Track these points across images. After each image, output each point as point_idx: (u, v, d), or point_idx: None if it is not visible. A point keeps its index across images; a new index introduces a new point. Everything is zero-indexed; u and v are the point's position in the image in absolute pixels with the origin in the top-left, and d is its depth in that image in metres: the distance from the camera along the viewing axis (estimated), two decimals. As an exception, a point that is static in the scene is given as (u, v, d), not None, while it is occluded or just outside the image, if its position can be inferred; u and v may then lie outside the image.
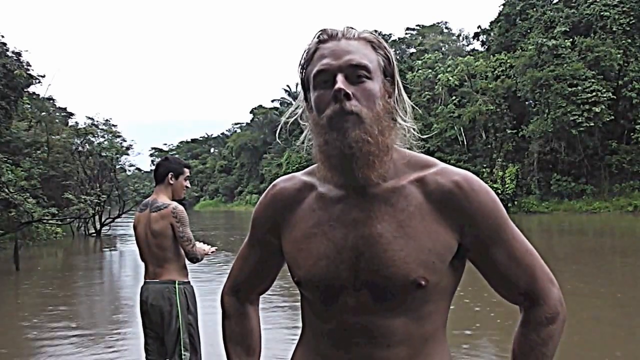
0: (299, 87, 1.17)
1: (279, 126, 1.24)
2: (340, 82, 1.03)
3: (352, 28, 1.10)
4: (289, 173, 1.28)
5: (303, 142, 1.15)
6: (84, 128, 27.46)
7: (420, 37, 60.42)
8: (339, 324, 1.08)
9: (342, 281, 1.07)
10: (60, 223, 22.10)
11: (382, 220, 1.06)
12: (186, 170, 3.70)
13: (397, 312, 1.06)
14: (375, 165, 1.04)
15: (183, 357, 3.51)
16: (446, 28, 61.89)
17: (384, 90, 1.08)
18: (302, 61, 1.11)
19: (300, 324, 1.23)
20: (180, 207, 3.56)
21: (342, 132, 1.01)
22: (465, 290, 7.50)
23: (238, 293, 1.31)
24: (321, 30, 1.10)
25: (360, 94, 1.04)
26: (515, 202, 39.08)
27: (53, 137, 25.13)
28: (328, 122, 1.03)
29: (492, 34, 48.89)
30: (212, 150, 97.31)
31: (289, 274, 1.17)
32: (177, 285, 3.52)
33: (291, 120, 1.18)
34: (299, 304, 1.24)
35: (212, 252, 3.78)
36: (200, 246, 3.65)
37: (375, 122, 1.03)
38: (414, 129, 1.13)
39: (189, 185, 3.75)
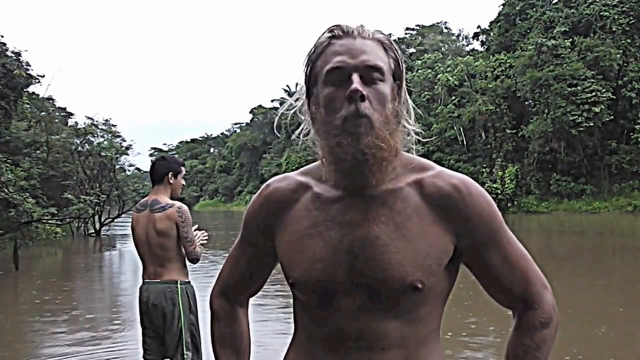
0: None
1: (276, 119, 1.22)
2: (357, 82, 1.01)
3: (364, 27, 1.08)
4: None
5: (300, 136, 1.13)
6: (83, 128, 27.41)
7: (420, 37, 60.51)
8: (334, 327, 1.07)
9: (337, 283, 1.05)
10: (59, 223, 22.08)
11: (379, 222, 1.05)
12: (183, 168, 3.73)
13: (393, 315, 1.05)
14: (387, 170, 1.04)
15: (185, 356, 3.51)
16: (446, 28, 61.97)
17: (392, 94, 1.07)
18: (312, 55, 1.09)
19: (292, 326, 1.21)
20: (185, 207, 3.56)
21: (356, 137, 1.00)
22: (462, 294, 7.50)
23: (228, 295, 1.28)
24: (335, 25, 1.08)
25: (373, 96, 1.02)
26: (515, 202, 39.12)
27: (52, 137, 25.11)
28: (342, 123, 1.01)
29: (491, 34, 48.94)
30: (211, 150, 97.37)
31: (282, 275, 1.15)
32: (179, 285, 3.52)
33: (289, 113, 1.16)
34: (291, 305, 1.22)
35: (205, 238, 3.78)
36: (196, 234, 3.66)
37: (385, 126, 1.02)
38: (417, 133, 1.12)
39: (185, 183, 3.77)
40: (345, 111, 1.01)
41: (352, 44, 1.05)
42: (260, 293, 1.33)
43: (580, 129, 35.77)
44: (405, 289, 1.03)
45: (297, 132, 1.14)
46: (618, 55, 36.69)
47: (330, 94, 1.04)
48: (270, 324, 6.80)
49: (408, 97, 1.12)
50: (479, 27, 51.37)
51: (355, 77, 1.01)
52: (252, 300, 1.34)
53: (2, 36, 25.89)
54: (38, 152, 23.29)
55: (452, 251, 1.08)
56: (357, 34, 1.06)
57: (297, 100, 1.15)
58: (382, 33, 1.10)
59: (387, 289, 1.03)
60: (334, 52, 1.05)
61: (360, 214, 1.06)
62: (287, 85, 72.01)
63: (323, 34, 1.08)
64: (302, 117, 1.13)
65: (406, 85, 1.13)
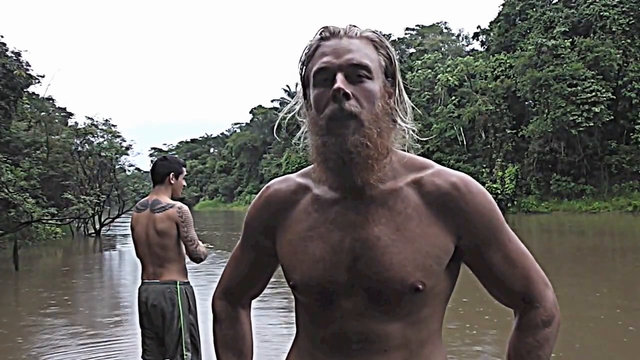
0: (299, 86, 1.16)
1: (277, 122, 1.22)
2: (340, 81, 1.01)
3: (354, 26, 1.09)
4: (288, 173, 1.26)
5: (300, 139, 1.13)
6: (83, 128, 27.44)
7: (420, 37, 60.47)
8: (335, 329, 1.07)
9: (338, 285, 1.05)
10: (59, 223, 22.08)
11: (379, 223, 1.05)
12: (184, 169, 3.72)
13: (394, 316, 1.05)
14: (374, 169, 1.03)
15: (185, 357, 3.51)
16: (446, 28, 61.92)
17: (384, 91, 1.06)
18: (303, 57, 1.10)
19: (294, 328, 1.21)
20: (186, 207, 3.56)
21: (341, 137, 1.00)
22: (463, 293, 7.50)
23: (230, 297, 1.28)
24: (323, 27, 1.09)
25: (359, 94, 1.02)
26: (515, 202, 39.09)
27: (52, 137, 25.15)
28: (327, 123, 1.02)
29: (491, 34, 48.91)
30: (211, 150, 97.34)
31: (284, 277, 1.15)
32: (178, 286, 3.51)
33: (289, 116, 1.17)
34: (292, 305, 1.22)
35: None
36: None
37: (374, 124, 1.02)
38: (413, 131, 1.11)
39: (185, 184, 3.77)
40: (329, 110, 1.02)
41: (338, 44, 1.06)
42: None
43: (580, 129, 35.74)
44: (407, 290, 1.02)
45: (298, 134, 1.14)
46: (618, 55, 36.66)
47: (318, 95, 1.05)
48: (272, 324, 6.80)
49: (406, 95, 1.11)
50: (479, 27, 51.34)
51: (339, 76, 1.02)
52: (253, 300, 1.34)
53: (2, 36, 25.93)
54: (38, 152, 23.32)
55: (452, 251, 1.07)
56: (344, 34, 1.07)
57: (296, 103, 1.16)
58: (373, 31, 1.10)
59: (388, 290, 1.03)
60: (321, 54, 1.06)
61: (360, 215, 1.06)
62: (287, 85, 71.99)
63: (314, 36, 1.10)
64: (301, 120, 1.14)
65: (405, 84, 1.12)
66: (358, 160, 1.01)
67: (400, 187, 1.08)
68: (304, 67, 1.10)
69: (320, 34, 1.09)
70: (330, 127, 1.02)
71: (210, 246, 3.81)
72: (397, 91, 1.09)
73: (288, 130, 1.29)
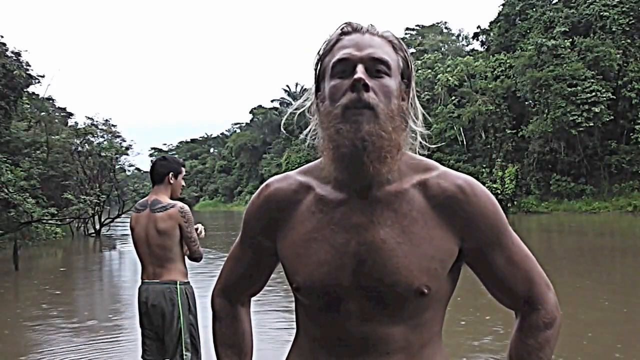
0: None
1: (285, 116, 1.21)
2: (361, 72, 1.01)
3: (375, 26, 1.10)
4: None
5: (307, 135, 1.12)
6: (83, 128, 27.49)
7: (420, 37, 60.45)
8: (338, 331, 1.06)
9: (343, 288, 1.04)
10: (59, 223, 22.11)
11: (385, 226, 1.04)
12: (184, 169, 3.73)
13: (397, 319, 1.04)
14: (387, 161, 1.01)
15: (184, 357, 3.51)
16: (446, 28, 61.91)
17: (399, 92, 1.06)
18: (321, 51, 1.09)
19: (294, 326, 1.20)
20: (187, 207, 3.57)
21: (356, 124, 0.99)
22: (462, 294, 7.50)
23: (229, 295, 1.27)
24: (346, 23, 1.09)
25: (378, 88, 1.02)
26: (515, 202, 39.08)
27: (52, 137, 25.17)
28: (342, 111, 1.00)
29: (491, 34, 48.87)
30: (211, 150, 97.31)
31: (285, 276, 1.13)
32: (178, 286, 3.51)
33: (299, 112, 1.15)
34: (293, 304, 1.21)
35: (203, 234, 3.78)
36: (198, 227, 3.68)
37: (389, 119, 1.01)
38: (423, 135, 1.12)
39: (184, 183, 3.78)
40: (346, 99, 1.01)
41: (360, 38, 1.06)
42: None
43: (580, 129, 35.72)
44: (412, 294, 1.02)
45: (305, 131, 1.12)
46: (618, 55, 36.64)
47: (335, 86, 1.04)
48: (272, 322, 6.80)
49: (417, 100, 1.11)
50: (479, 27, 51.22)
51: (360, 67, 1.02)
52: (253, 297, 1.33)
53: (2, 36, 25.96)
54: (38, 152, 23.36)
55: (456, 253, 1.07)
56: (366, 30, 1.08)
57: (306, 100, 1.14)
58: (392, 33, 1.11)
59: (393, 294, 1.02)
60: (341, 47, 1.06)
61: (365, 217, 1.05)
62: (287, 86, 72.05)
63: (334, 31, 1.10)
64: (310, 117, 1.12)
65: (415, 87, 1.12)
66: (372, 149, 0.99)
67: (405, 189, 1.07)
68: (321, 61, 1.09)
69: (342, 29, 1.09)
70: (345, 115, 1.00)
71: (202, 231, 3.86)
72: (410, 95, 1.09)
73: (288, 130, 1.27)
